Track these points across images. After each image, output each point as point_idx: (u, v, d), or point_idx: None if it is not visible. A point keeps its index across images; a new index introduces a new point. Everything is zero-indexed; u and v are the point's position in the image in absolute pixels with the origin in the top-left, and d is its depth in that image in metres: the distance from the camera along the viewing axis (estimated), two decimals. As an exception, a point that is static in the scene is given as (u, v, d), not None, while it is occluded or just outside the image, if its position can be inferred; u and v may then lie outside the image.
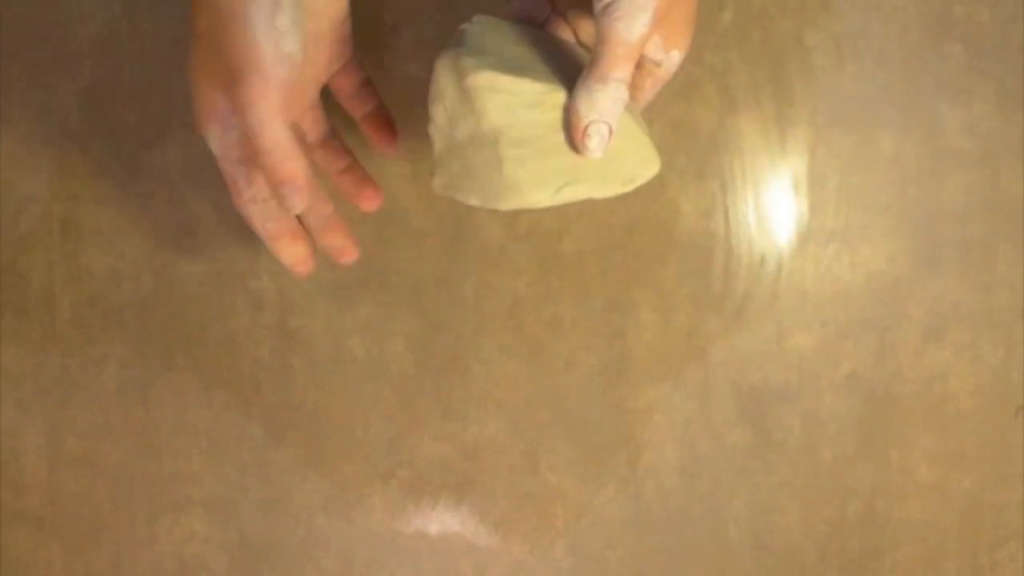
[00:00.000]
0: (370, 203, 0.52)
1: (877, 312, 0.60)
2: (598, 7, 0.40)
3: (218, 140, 0.44)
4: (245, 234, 0.61)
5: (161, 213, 0.61)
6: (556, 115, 0.41)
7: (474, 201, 0.42)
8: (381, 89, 0.59)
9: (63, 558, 0.63)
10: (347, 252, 0.52)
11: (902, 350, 0.60)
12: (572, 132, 0.41)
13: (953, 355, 0.60)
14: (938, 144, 0.59)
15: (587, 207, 0.60)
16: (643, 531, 0.62)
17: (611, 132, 0.41)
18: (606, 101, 0.40)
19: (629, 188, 0.43)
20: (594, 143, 0.40)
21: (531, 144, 0.41)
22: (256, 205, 0.46)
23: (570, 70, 0.43)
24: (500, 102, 0.41)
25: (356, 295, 0.61)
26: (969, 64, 0.59)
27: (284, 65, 0.40)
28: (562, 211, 0.60)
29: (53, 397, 0.62)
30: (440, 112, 0.42)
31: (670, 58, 0.45)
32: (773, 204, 0.60)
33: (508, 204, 0.42)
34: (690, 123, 0.59)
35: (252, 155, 0.44)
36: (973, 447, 0.61)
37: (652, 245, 0.60)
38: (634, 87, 0.46)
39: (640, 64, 0.45)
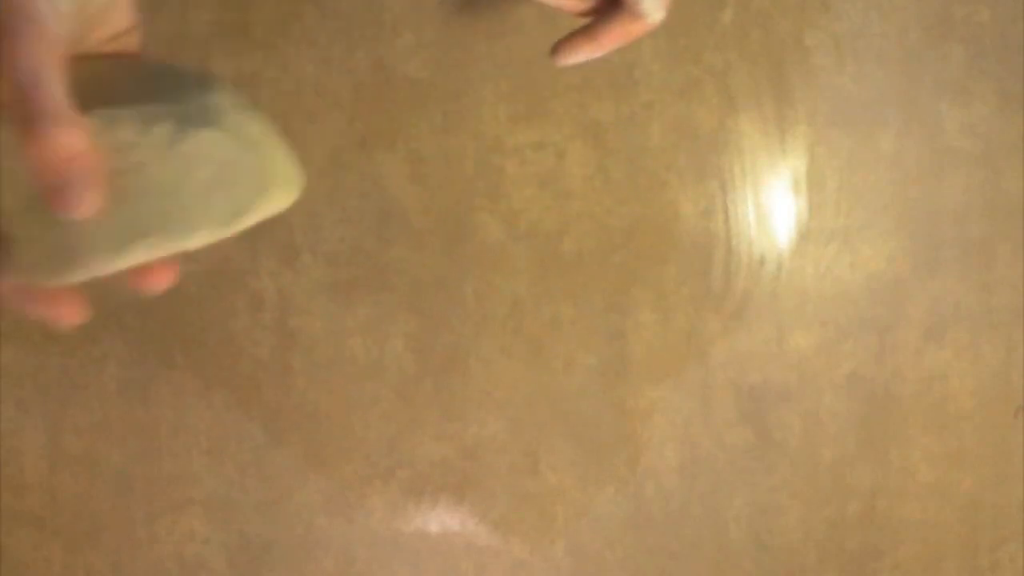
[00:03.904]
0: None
1: (877, 312, 0.60)
2: None
3: None
4: (245, 234, 0.61)
5: (161, 213, 0.61)
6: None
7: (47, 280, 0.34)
8: (381, 89, 0.59)
9: (63, 558, 0.63)
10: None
11: (902, 350, 0.60)
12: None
13: (953, 355, 0.60)
14: (938, 144, 0.59)
15: (587, 208, 0.59)
16: (643, 531, 0.62)
17: None
18: None
19: (239, 226, 0.35)
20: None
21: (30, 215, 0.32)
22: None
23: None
24: None
25: (356, 295, 0.61)
26: (969, 64, 0.59)
27: (63, 22, 0.31)
28: (562, 211, 0.60)
29: (53, 397, 0.62)
30: None
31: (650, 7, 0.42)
32: (773, 204, 0.60)
33: (65, 278, 0.34)
34: (690, 123, 0.59)
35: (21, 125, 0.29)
36: (973, 447, 0.61)
37: (652, 245, 0.60)
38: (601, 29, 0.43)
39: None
